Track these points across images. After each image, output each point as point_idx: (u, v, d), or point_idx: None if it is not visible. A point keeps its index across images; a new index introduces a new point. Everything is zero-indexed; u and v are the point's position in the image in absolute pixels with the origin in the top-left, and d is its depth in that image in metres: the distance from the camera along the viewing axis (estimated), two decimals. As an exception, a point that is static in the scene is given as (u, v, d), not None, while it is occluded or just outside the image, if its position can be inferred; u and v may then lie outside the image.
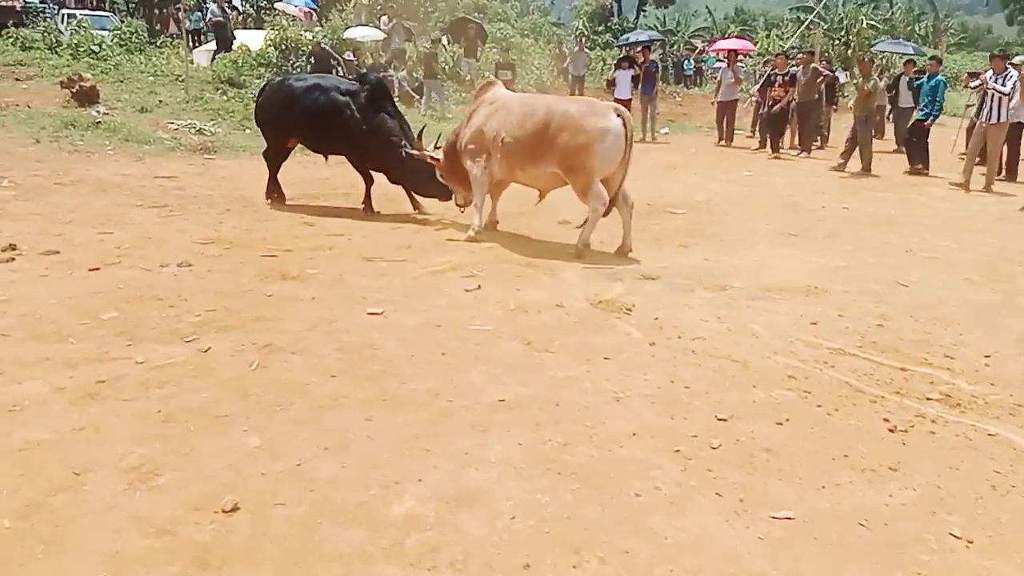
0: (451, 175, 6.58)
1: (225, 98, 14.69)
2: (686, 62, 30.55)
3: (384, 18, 18.66)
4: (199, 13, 27.33)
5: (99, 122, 11.79)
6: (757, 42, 32.51)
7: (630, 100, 15.38)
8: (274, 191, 7.67)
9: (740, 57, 15.39)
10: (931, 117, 11.81)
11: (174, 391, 3.26)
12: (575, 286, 4.94)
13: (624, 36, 22.94)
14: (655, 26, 36.78)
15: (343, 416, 3.09)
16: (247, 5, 29.24)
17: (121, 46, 18.12)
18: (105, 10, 29.47)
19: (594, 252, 5.86)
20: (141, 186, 8.45)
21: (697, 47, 34.46)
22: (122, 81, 15.05)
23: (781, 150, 13.63)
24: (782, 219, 7.57)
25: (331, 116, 7.06)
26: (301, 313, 4.25)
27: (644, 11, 36.91)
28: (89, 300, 4.31)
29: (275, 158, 7.71)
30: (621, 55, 17.33)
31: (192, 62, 17.73)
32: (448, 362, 3.66)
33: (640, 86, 15.32)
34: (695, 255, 5.98)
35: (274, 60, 16.23)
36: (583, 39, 22.55)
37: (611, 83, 15.91)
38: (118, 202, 7.47)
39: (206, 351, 3.70)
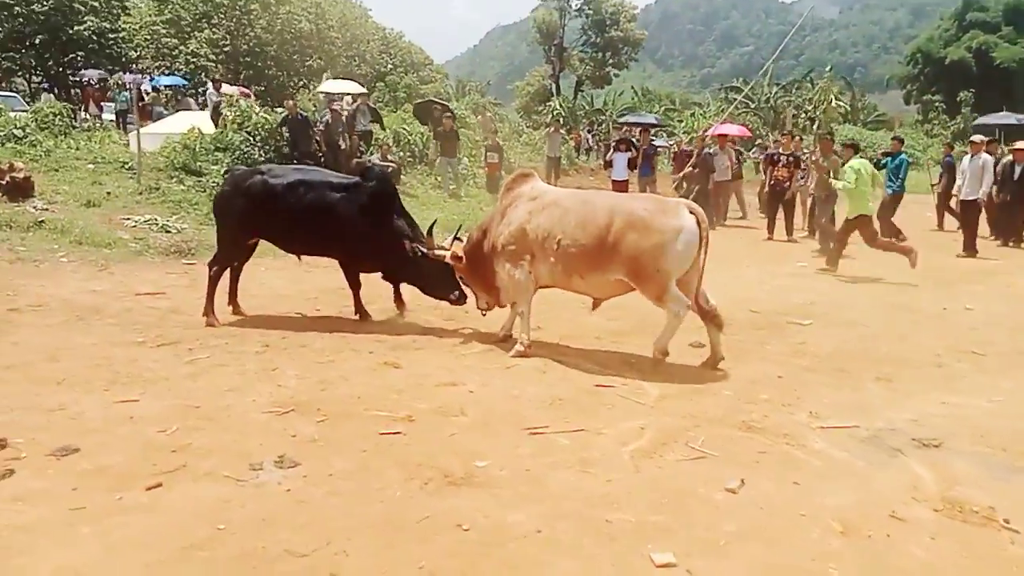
0: (473, 277, 5.85)
1: (183, 187, 12.83)
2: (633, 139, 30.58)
3: (348, 98, 17.30)
4: (127, 93, 25.33)
5: (41, 221, 9.76)
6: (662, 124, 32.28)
7: (627, 182, 14.65)
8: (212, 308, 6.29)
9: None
10: (896, 192, 12.24)
11: None
12: (862, 473, 3.51)
13: (623, 117, 22.29)
14: (584, 105, 36.93)
15: None
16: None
17: (42, 129, 15.92)
18: (8, 91, 26.94)
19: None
20: (126, 309, 6.60)
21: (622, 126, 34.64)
22: (56, 170, 12.93)
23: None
24: (931, 331, 6.45)
25: (324, 217, 6.11)
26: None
27: (582, 90, 37.07)
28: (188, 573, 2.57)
29: (230, 260, 6.48)
30: (618, 137, 16.48)
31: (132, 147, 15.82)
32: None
33: (639, 168, 14.48)
34: (917, 395, 4.69)
35: (236, 144, 14.46)
36: (560, 119, 21.69)
37: (608, 164, 15.18)
38: (110, 338, 5.62)
39: None
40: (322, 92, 15.91)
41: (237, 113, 15.26)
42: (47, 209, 10.74)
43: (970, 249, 11.63)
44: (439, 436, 3.80)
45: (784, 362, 5.38)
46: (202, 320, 6.19)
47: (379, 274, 6.50)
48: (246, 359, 5.19)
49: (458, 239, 6.16)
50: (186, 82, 28.75)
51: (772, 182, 13.51)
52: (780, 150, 13.99)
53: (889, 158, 12.94)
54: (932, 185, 15.91)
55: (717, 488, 3.25)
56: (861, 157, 10.42)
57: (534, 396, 4.46)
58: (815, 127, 29.13)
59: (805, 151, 14.94)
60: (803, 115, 35.41)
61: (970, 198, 12.11)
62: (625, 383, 4.74)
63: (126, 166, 13.54)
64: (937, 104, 42.80)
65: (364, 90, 16.88)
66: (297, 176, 6.36)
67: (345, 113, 15.80)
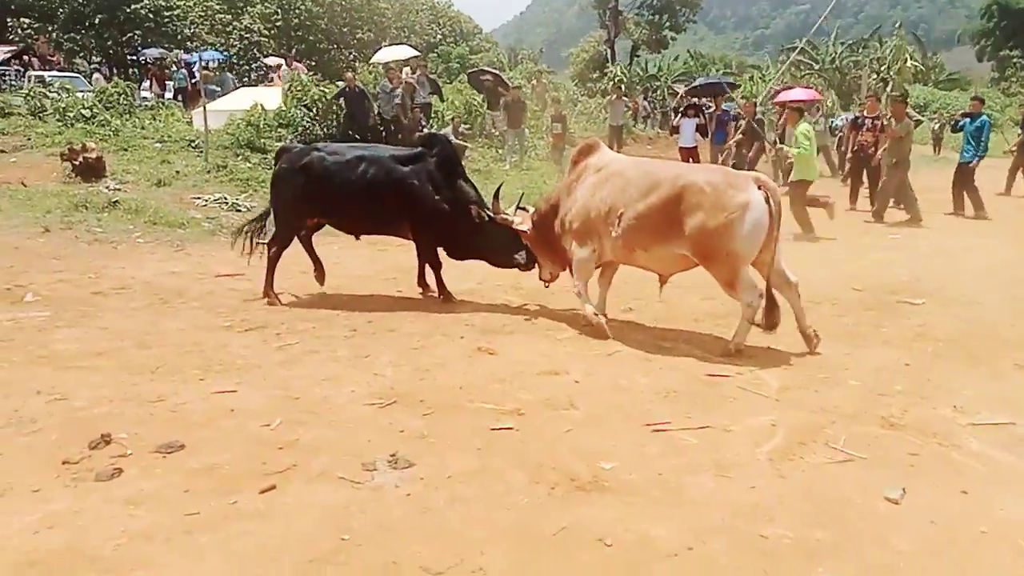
0: (540, 245, 5.75)
1: (249, 165, 12.79)
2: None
3: (407, 70, 17.00)
4: (184, 71, 25.53)
5: (115, 201, 9.79)
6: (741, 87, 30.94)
7: (695, 148, 14.17)
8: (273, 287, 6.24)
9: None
10: (976, 158, 11.63)
11: None
12: None
13: (693, 82, 21.44)
14: (640, 72, 35.80)
15: None
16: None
17: (107, 109, 16.05)
18: (70, 71, 27.38)
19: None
20: (207, 292, 6.51)
21: (679, 92, 33.52)
22: (125, 150, 13.05)
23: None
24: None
25: (391, 191, 5.96)
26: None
27: (637, 56, 36.07)
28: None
29: (288, 241, 6.38)
30: (687, 102, 15.91)
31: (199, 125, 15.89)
32: None
33: (712, 135, 13.91)
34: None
35: (299, 119, 14.36)
36: (621, 86, 21.09)
37: (675, 130, 14.67)
38: (196, 323, 5.52)
39: None
40: (378, 62, 15.60)
41: (298, 88, 15.16)
42: (119, 189, 10.82)
43: None
44: (554, 432, 3.55)
45: (907, 347, 4.98)
46: (286, 303, 6.06)
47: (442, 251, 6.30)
48: (336, 345, 5.02)
49: (522, 208, 6.01)
50: (223, 56, 28.56)
51: (856, 147, 12.80)
52: (865, 113, 13.24)
53: (968, 119, 12.21)
54: (1009, 150, 14.89)
55: (875, 497, 2.93)
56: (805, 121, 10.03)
57: (645, 387, 4.17)
58: (888, 88, 27.62)
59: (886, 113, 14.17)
60: (875, 75, 33.83)
61: None
62: (739, 372, 4.42)
63: (192, 144, 13.60)
64: (1016, 60, 40.47)
65: (418, 54, 16.51)
66: (356, 152, 6.17)
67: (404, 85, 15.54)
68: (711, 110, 14.36)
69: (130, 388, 4.12)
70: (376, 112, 14.79)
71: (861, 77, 31.65)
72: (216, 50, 32.35)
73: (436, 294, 6.34)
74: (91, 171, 11.14)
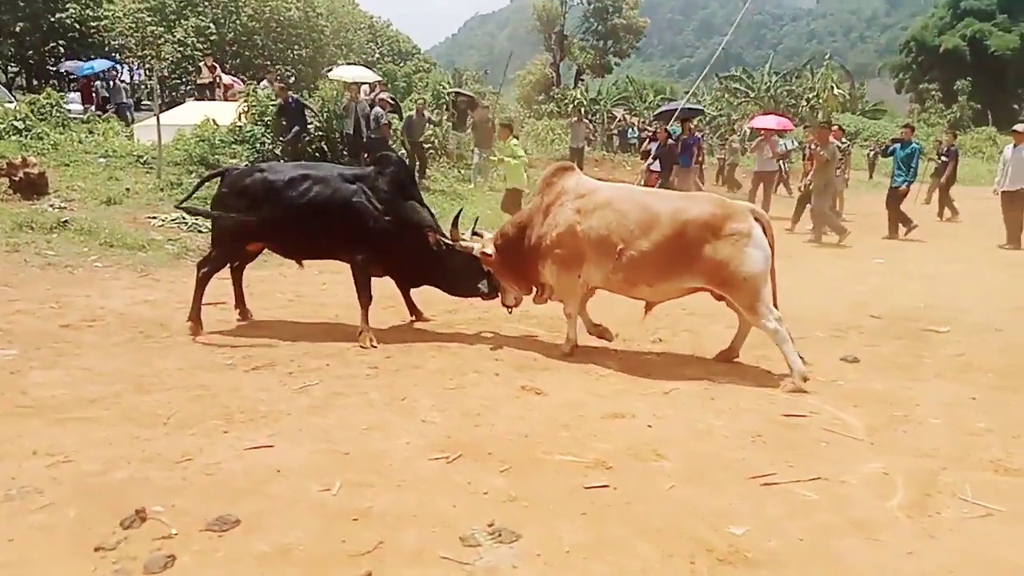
0: (505, 270, 5.48)
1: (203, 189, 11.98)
2: (630, 130, 29.74)
3: (365, 87, 16.49)
4: (104, 83, 24.23)
5: (65, 221, 8.96)
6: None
7: (659, 172, 14.06)
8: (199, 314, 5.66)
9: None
10: (906, 183, 12.32)
11: None
12: None
13: (661, 107, 21.51)
14: (581, 96, 36.03)
15: None
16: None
17: (40, 121, 14.92)
18: (-12, 82, 25.63)
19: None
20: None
21: (618, 116, 33.78)
22: (67, 165, 12.07)
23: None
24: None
25: (338, 211, 5.47)
26: None
27: (582, 79, 36.39)
28: None
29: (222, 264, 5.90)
30: (654, 127, 15.90)
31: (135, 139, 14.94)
32: None
33: (678, 157, 13.93)
34: None
35: (256, 136, 13.63)
36: (581, 109, 21.02)
37: (645, 155, 14.69)
38: (194, 360, 4.93)
39: None
40: (339, 79, 15.05)
41: (254, 104, 14.43)
42: (65, 207, 9.95)
43: (1014, 242, 11.18)
44: (656, 490, 3.18)
45: (961, 379, 4.83)
46: (291, 336, 5.51)
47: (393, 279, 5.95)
48: (361, 385, 4.53)
49: (476, 233, 5.75)
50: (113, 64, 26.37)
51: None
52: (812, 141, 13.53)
53: (899, 146, 12.70)
54: (931, 176, 15.90)
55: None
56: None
57: (725, 431, 3.85)
58: (817, 116, 28.69)
59: (843, 141, 14.55)
60: (805, 104, 35.09)
61: (1014, 188, 11.42)
62: (814, 411, 4.15)
63: (140, 160, 12.73)
64: (934, 92, 42.72)
65: (380, 78, 16.09)
66: (299, 171, 5.66)
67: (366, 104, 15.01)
68: (678, 134, 14.37)
69: (145, 445, 3.53)
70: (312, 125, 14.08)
71: (799, 106, 32.81)
72: (113, 60, 30.03)
73: (425, 319, 6.13)
74: (32, 188, 10.21)
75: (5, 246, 7.97)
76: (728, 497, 3.10)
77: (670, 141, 14.02)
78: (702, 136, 15.50)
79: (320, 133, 14.22)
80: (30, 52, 33.81)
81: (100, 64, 25.31)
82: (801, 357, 4.60)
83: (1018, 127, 12.26)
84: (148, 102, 40.89)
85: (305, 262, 6.19)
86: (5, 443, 3.51)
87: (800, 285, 7.83)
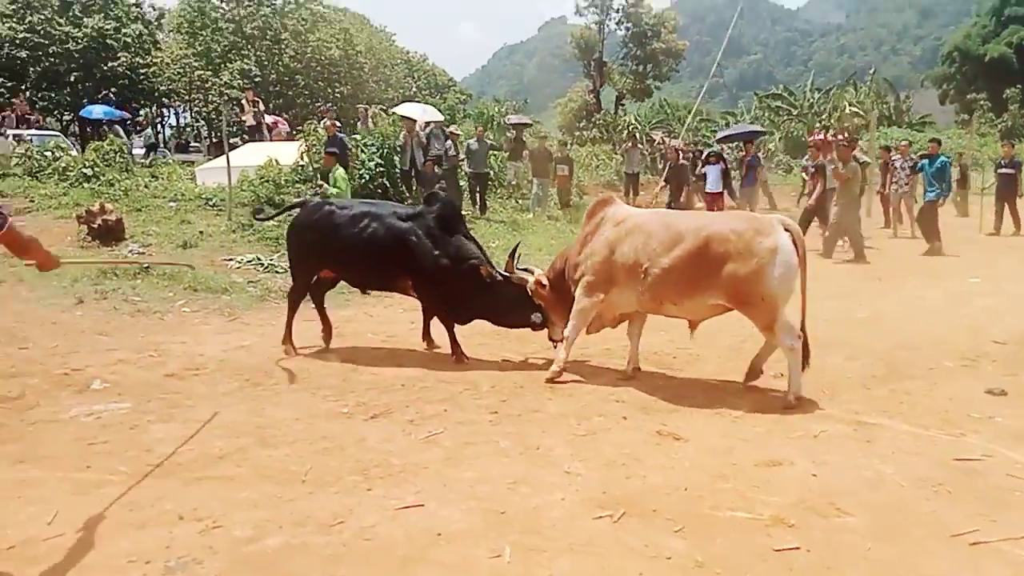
0: (554, 305, 5.60)
1: (275, 223, 12.05)
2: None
3: (420, 121, 16.52)
4: (149, 130, 24.72)
5: (147, 267, 9.00)
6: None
7: (720, 194, 13.87)
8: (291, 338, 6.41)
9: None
10: (942, 197, 12.04)
11: None
12: None
13: (722, 133, 21.50)
14: (635, 119, 35.86)
15: None
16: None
17: (107, 167, 15.24)
18: (47, 129, 26.32)
19: None
20: (299, 370, 5.77)
21: (656, 139, 33.62)
22: (138, 210, 12.22)
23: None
24: None
25: (393, 246, 5.95)
26: None
27: (622, 104, 36.33)
28: None
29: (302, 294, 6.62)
30: (711, 150, 15.72)
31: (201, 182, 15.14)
32: None
33: (743, 179, 13.70)
34: None
35: (311, 174, 13.75)
36: (636, 134, 20.92)
37: (701, 178, 14.50)
38: (308, 409, 4.82)
39: None
40: (406, 115, 15.15)
41: (313, 142, 14.55)
42: (143, 253, 10.05)
43: None
44: (851, 552, 2.92)
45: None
46: (396, 380, 5.39)
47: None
48: (486, 432, 4.36)
49: (526, 270, 5.93)
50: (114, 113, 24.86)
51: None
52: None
53: (927, 161, 12.37)
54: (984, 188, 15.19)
55: None
56: None
57: (899, 479, 3.57)
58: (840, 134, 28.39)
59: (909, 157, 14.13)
60: (849, 117, 34.60)
61: None
62: (986, 453, 3.86)
63: (209, 203, 12.87)
64: (982, 103, 41.72)
65: (441, 117, 16.18)
66: (363, 208, 6.23)
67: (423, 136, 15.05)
68: (743, 155, 14.13)
69: (290, 506, 3.39)
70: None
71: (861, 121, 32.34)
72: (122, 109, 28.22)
73: (441, 350, 6.24)
74: (110, 234, 10.35)
75: (94, 294, 8.01)
76: (938, 562, 2.83)
77: (682, 161, 14.44)
78: (762, 155, 15.30)
79: (381, 169, 14.26)
80: (84, 100, 34.86)
81: (101, 110, 24.59)
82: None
83: None
84: (196, 144, 41.94)
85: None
86: (147, 507, 3.40)
87: (901, 310, 7.53)
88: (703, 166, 14.76)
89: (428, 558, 2.92)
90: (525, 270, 5.89)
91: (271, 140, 19.24)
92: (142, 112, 40.93)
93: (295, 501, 3.45)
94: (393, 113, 16.75)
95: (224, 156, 17.03)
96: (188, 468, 3.87)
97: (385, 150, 14.66)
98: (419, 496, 3.47)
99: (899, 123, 39.69)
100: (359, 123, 18.26)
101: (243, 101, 18.33)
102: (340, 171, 10.88)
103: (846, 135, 16.16)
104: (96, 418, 4.68)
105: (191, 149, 37.25)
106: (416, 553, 2.96)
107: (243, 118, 18.87)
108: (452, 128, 15.16)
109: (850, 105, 33.86)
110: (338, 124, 14.94)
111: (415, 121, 14.53)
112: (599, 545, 2.99)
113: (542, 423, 4.51)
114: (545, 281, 5.65)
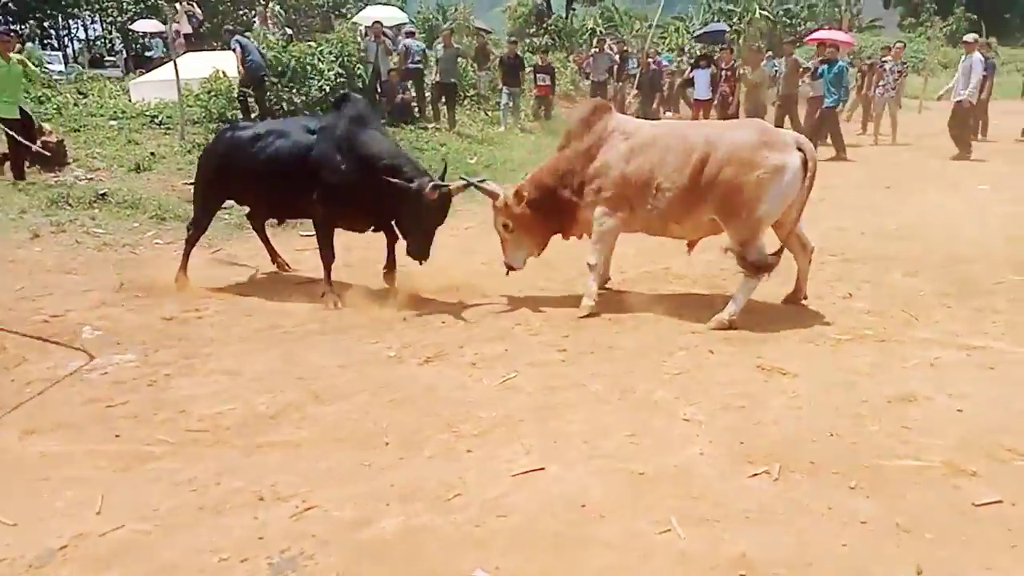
0: (528, 226, 4.99)
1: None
2: (631, 60, 28.64)
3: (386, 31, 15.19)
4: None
5: (103, 193, 8.02)
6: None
7: (711, 100, 13.31)
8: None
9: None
10: (840, 103, 12.17)
11: None
12: None
13: (698, 30, 20.49)
14: (596, 24, 34.49)
15: None
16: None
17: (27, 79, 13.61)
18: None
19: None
20: (314, 308, 5.13)
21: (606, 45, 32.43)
22: (76, 130, 10.95)
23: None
24: None
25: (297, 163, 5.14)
26: None
27: (573, 9, 34.88)
28: None
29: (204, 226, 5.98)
30: (699, 52, 15.02)
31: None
32: None
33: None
34: None
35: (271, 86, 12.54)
36: (605, 40, 19.88)
37: (687, 83, 13.88)
38: (350, 354, 4.23)
39: None
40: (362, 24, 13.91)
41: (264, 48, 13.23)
42: (91, 178, 8.98)
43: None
44: None
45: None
46: (430, 312, 4.87)
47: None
48: (564, 373, 3.87)
49: (465, 179, 5.15)
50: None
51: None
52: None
53: (826, 66, 12.06)
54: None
55: None
56: None
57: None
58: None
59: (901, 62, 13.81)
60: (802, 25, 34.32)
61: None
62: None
63: (155, 121, 11.63)
64: (928, 5, 41.71)
65: (407, 18, 14.94)
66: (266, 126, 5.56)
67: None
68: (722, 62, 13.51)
69: (385, 476, 2.86)
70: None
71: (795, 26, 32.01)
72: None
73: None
74: (52, 158, 9.18)
75: (50, 226, 7.06)
76: None
77: (654, 67, 14.50)
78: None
79: (342, 80, 13.13)
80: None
81: None
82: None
83: (967, 38, 11.96)
84: (111, 58, 38.68)
85: None
86: (212, 485, 2.82)
87: (929, 220, 7.26)
88: (691, 70, 14.13)
89: (585, 537, 2.45)
90: (482, 181, 5.18)
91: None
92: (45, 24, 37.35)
93: (387, 470, 2.92)
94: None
95: (159, 69, 15.59)
96: (240, 433, 3.28)
97: (344, 58, 13.49)
98: (533, 458, 2.98)
99: (849, 27, 39.52)
100: (255, 24, 16.50)
101: (176, 5, 16.46)
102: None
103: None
104: (103, 373, 3.99)
105: (106, 64, 34.34)
106: (568, 531, 2.49)
107: (176, 24, 17.03)
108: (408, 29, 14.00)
109: (760, 9, 33.69)
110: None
111: (381, 25, 13.35)
112: (776, 511, 2.57)
113: (624, 361, 4.04)
114: (516, 203, 4.93)
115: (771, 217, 4.41)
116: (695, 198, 4.47)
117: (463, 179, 5.11)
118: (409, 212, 4.93)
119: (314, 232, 5.44)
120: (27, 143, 8.52)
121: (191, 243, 5.75)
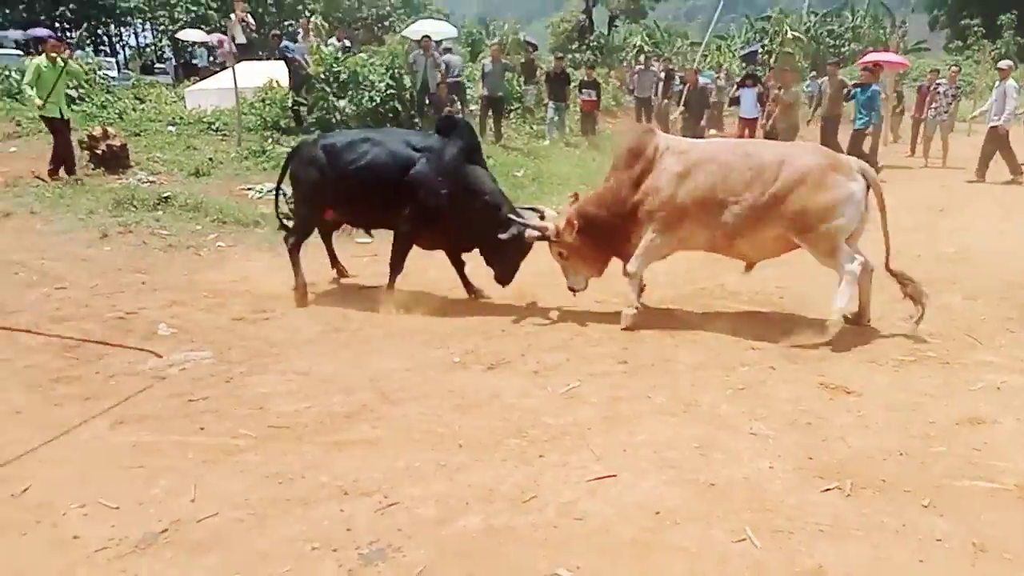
0: (585, 252, 5.08)
1: (287, 148, 11.27)
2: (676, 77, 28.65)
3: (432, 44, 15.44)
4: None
5: (167, 196, 8.29)
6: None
7: (756, 120, 13.30)
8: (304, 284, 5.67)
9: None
10: (871, 125, 12.00)
11: None
12: None
13: (745, 49, 20.64)
14: (642, 41, 34.56)
15: None
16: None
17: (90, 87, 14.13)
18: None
19: None
20: (375, 315, 5.27)
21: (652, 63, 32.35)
22: (137, 135, 11.35)
23: None
24: None
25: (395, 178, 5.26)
26: None
27: (615, 26, 35.07)
28: None
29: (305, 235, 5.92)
30: (745, 72, 15.07)
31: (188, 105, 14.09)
32: None
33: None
34: None
35: (324, 96, 12.83)
36: (647, 56, 20.01)
37: (734, 101, 13.91)
38: (414, 358, 4.36)
39: None
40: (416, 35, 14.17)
41: (317, 61, 13.55)
42: (153, 181, 9.29)
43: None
44: None
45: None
46: (489, 317, 4.98)
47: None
48: (626, 385, 3.94)
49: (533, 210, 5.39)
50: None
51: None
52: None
53: (859, 89, 11.98)
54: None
55: None
56: None
57: None
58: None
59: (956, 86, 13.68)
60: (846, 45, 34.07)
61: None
62: None
63: (212, 127, 11.99)
64: (976, 28, 41.07)
65: (455, 33, 15.17)
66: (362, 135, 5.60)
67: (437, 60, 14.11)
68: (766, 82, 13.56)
69: (462, 477, 2.96)
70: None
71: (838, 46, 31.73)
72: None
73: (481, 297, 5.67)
74: (116, 161, 9.56)
75: (116, 227, 7.33)
76: None
77: (707, 84, 14.22)
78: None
79: (392, 91, 13.37)
80: (42, 18, 32.54)
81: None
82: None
83: (1001, 64, 11.94)
84: (161, 65, 39.79)
85: None
86: (298, 479, 2.94)
87: (987, 244, 7.18)
88: (737, 88, 14.17)
89: (662, 543, 2.52)
90: (532, 209, 5.33)
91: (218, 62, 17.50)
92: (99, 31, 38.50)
93: (463, 470, 3.02)
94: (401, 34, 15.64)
95: (213, 77, 16.05)
96: (318, 430, 3.40)
97: (395, 70, 13.74)
98: (604, 465, 3.05)
99: (896, 49, 39.09)
100: (299, 36, 16.87)
101: (232, 16, 16.91)
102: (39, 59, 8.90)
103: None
104: (181, 369, 4.16)
105: (156, 71, 35.27)
106: (645, 536, 2.55)
107: (232, 33, 17.51)
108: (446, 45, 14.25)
109: (790, 29, 33.33)
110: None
111: (431, 39, 13.58)
112: (850, 525, 2.61)
113: (685, 375, 4.10)
114: (569, 233, 4.99)
115: (847, 229, 4.53)
116: (764, 215, 4.57)
117: (511, 219, 5.16)
118: (503, 246, 5.13)
119: (392, 243, 5.54)
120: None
121: (294, 252, 5.72)
